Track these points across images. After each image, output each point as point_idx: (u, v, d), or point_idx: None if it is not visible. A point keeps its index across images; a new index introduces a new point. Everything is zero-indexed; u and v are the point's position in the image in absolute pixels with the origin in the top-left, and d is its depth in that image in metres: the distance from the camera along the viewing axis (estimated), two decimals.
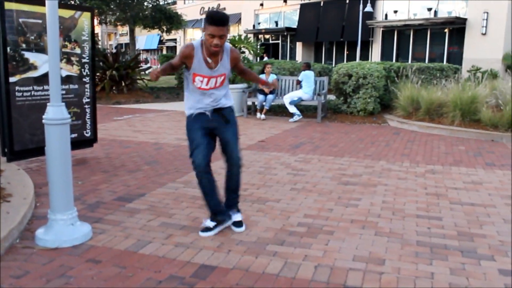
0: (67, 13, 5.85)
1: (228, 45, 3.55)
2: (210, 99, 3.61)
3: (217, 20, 3.21)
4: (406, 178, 5.54)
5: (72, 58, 5.99)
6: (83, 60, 6.11)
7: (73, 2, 17.48)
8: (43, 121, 3.45)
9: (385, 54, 24.13)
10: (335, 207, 4.42)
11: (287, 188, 5.01)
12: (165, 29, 20.77)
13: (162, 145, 7.31)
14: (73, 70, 6.01)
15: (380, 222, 4.03)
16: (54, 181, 3.50)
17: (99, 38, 48.32)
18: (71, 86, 6.01)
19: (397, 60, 22.97)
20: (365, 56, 24.46)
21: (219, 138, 3.77)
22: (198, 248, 3.41)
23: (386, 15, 23.89)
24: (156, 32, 22.19)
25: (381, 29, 24.06)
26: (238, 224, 3.80)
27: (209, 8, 36.58)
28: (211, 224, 3.69)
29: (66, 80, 5.92)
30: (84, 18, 6.04)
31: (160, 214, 4.13)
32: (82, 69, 6.11)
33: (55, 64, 3.44)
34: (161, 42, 45.91)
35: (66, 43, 5.90)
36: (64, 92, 5.90)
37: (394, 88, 10.94)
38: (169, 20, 20.15)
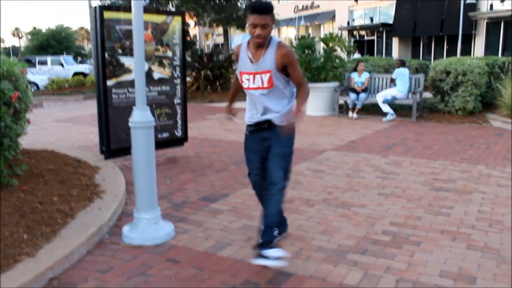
0: (159, 18, 6.07)
1: (276, 39, 3.17)
2: (259, 106, 3.21)
3: (258, 8, 2.93)
4: (507, 185, 5.07)
5: (164, 61, 6.20)
6: (174, 63, 6.30)
7: (170, 5, 18.23)
8: (129, 124, 3.58)
9: (490, 48, 22.53)
10: (424, 215, 4.14)
11: (375, 192, 4.80)
12: None
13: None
14: (165, 73, 6.22)
15: (474, 234, 3.71)
16: (139, 181, 3.62)
17: (197, 39, 50.13)
18: (163, 88, 6.23)
19: (503, 54, 21.34)
20: (466, 50, 23.01)
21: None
22: None
23: (491, 6, 22.28)
24: None
25: (486, 20, 22.49)
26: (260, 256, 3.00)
27: (303, 6, 36.48)
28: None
29: (158, 82, 6.15)
30: (175, 23, 6.23)
31: (242, 216, 4.13)
32: (174, 71, 6.31)
33: (140, 68, 3.56)
34: None
35: (159, 47, 6.12)
36: (156, 93, 6.15)
37: (498, 85, 10.13)
38: None
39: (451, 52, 23.84)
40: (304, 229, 3.80)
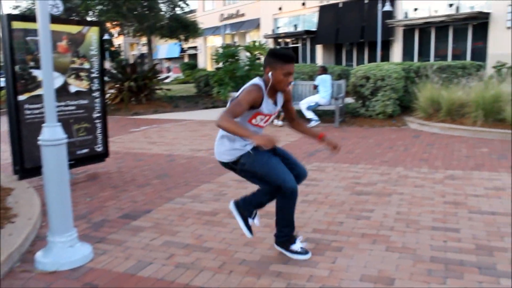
0: (74, 29, 5.83)
1: None
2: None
3: (292, 57, 3.16)
4: (423, 186, 5.31)
5: (81, 74, 5.96)
6: (92, 75, 6.08)
7: (90, 16, 17.68)
8: (39, 142, 3.39)
9: (407, 53, 23.68)
10: (346, 220, 4.23)
11: (298, 200, 4.79)
12: (182, 38, 20.82)
13: (175, 157, 7.22)
14: (83, 86, 5.99)
15: (393, 235, 3.83)
16: (51, 203, 3.43)
17: (122, 48, 48.98)
18: (81, 102, 5.99)
19: (419, 59, 22.50)
20: (386, 56, 24.06)
21: None
22: (198, 269, 3.28)
23: (406, 14, 23.46)
24: (175, 41, 22.30)
25: (402, 28, 23.63)
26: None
27: (228, 15, 36.64)
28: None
29: (75, 95, 5.91)
30: (92, 33, 6.01)
31: (164, 232, 4.02)
32: (92, 84, 6.08)
33: (48, 82, 3.38)
34: (182, 50, 46.23)
35: (75, 58, 5.87)
36: (74, 107, 5.90)
37: (414, 89, 10.64)
38: (186, 29, 20.20)
39: (372, 58, 24.80)
40: (227, 242, 3.76)
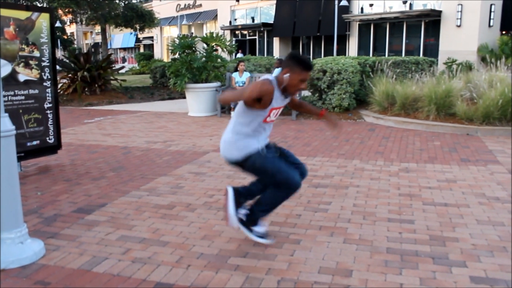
0: (23, 15, 5.57)
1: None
2: (268, 132, 3.47)
3: (311, 67, 3.28)
4: (379, 178, 5.40)
5: (31, 62, 5.72)
6: (43, 64, 5.84)
7: (40, 1, 17.02)
8: None
9: (362, 48, 24.10)
10: (303, 212, 4.25)
11: None
12: (138, 27, 20.38)
13: (131, 149, 7.07)
14: (32, 74, 5.74)
15: (350, 228, 3.88)
16: None
17: (75, 37, 47.61)
18: (31, 91, 5.74)
19: (374, 54, 22.93)
20: (342, 50, 24.40)
21: None
22: (156, 263, 3.22)
23: (362, 9, 23.84)
24: (130, 30, 21.79)
25: (357, 23, 24.01)
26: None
27: (185, 5, 36.19)
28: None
29: (24, 84, 5.66)
30: (42, 20, 5.77)
31: (119, 226, 3.92)
32: (43, 73, 5.84)
33: None
34: (138, 40, 45.37)
35: (24, 46, 5.62)
36: (23, 97, 5.65)
37: (370, 83, 10.82)
38: (142, 18, 19.77)
39: (328, 52, 25.12)
40: (185, 236, 3.70)
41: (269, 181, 3.39)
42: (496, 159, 6.35)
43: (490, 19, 19.61)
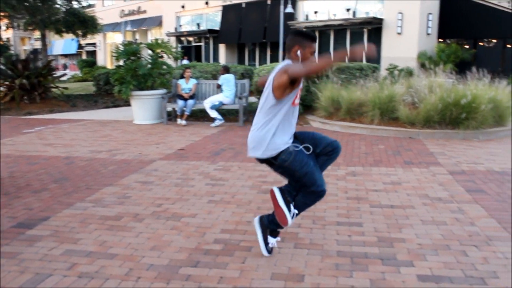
0: None
1: None
2: (295, 118, 3.38)
3: (316, 38, 3.25)
4: (327, 182, 5.38)
5: None
6: None
7: None
8: None
9: None
10: (254, 218, 4.22)
11: (205, 200, 4.78)
12: (80, 33, 19.78)
13: (74, 159, 6.82)
14: None
15: (300, 232, 3.90)
16: None
17: (11, 43, 45.77)
18: None
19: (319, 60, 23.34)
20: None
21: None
22: (104, 277, 3.10)
23: (307, 16, 24.24)
24: (72, 36, 21.12)
25: (303, 29, 24.38)
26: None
27: (129, 11, 35.58)
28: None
29: None
30: None
31: (64, 240, 3.76)
32: None
33: None
34: (80, 46, 44.17)
35: None
36: None
37: (315, 88, 10.98)
38: (84, 24, 19.20)
39: (274, 58, 25.35)
40: (133, 247, 3.60)
41: (296, 182, 3.35)
42: (437, 161, 6.58)
43: (428, 27, 20.41)
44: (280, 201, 3.34)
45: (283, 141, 3.24)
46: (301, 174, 3.25)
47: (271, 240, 3.48)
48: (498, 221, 4.20)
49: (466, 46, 21.47)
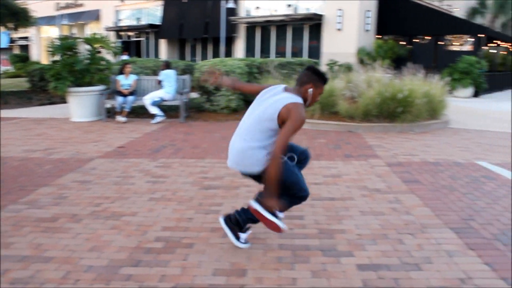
0: None
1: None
2: None
3: (328, 79, 3.37)
4: None
5: None
6: None
7: None
8: None
9: (249, 50, 24.55)
10: (195, 215, 4.20)
11: (145, 198, 4.69)
12: (11, 26, 18.80)
13: (7, 160, 6.49)
14: None
15: None
16: None
17: None
18: None
19: (261, 56, 23.48)
20: (230, 52, 24.66)
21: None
22: (39, 282, 2.98)
23: (248, 12, 24.28)
24: (3, 29, 20.05)
25: (244, 25, 24.41)
26: None
27: (65, 4, 34.32)
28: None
29: None
30: None
31: None
32: None
33: None
34: (11, 40, 42.15)
35: None
36: None
37: (256, 84, 11.01)
38: (15, 16, 18.26)
39: (216, 54, 25.22)
40: (71, 249, 3.48)
41: (284, 191, 3.33)
42: (376, 154, 6.78)
43: (366, 24, 20.96)
44: (265, 213, 3.32)
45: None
46: (290, 183, 3.30)
47: (243, 236, 3.55)
48: (432, 210, 4.39)
49: (402, 43, 22.23)
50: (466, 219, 4.18)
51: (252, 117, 3.27)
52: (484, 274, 3.13)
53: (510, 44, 27.26)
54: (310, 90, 3.26)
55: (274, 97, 3.23)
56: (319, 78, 3.29)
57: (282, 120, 3.12)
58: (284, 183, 3.27)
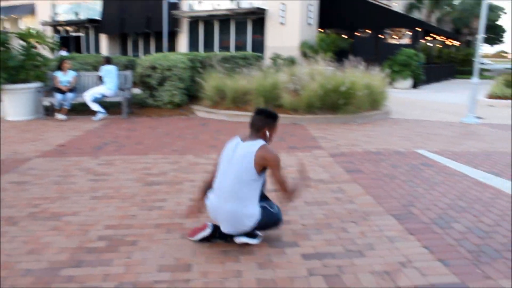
0: None
1: None
2: None
3: (278, 116, 3.61)
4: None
5: None
6: None
7: None
8: None
9: (193, 45, 24.31)
10: (138, 212, 4.13)
11: (87, 197, 4.55)
12: None
13: None
14: None
15: (187, 223, 3.88)
16: None
17: None
18: None
19: (204, 50, 23.32)
20: (173, 46, 24.33)
21: None
22: None
23: (191, 6, 24.02)
24: None
25: (187, 19, 24.14)
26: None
27: None
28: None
29: None
30: None
31: None
32: None
33: None
34: None
35: None
36: None
37: (200, 78, 10.93)
38: None
39: (159, 48, 24.80)
40: (7, 253, 3.32)
41: (264, 227, 3.46)
42: (319, 145, 6.90)
43: (308, 18, 21.23)
44: (250, 241, 3.43)
45: (258, 209, 3.38)
46: (270, 222, 3.45)
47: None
48: (374, 198, 4.52)
49: (344, 36, 22.69)
50: (406, 205, 4.34)
51: (230, 178, 3.30)
52: (423, 257, 3.26)
53: (445, 37, 28.47)
54: (267, 132, 3.47)
55: (241, 151, 3.33)
56: (272, 118, 3.50)
57: (259, 166, 3.29)
58: (266, 224, 3.41)
